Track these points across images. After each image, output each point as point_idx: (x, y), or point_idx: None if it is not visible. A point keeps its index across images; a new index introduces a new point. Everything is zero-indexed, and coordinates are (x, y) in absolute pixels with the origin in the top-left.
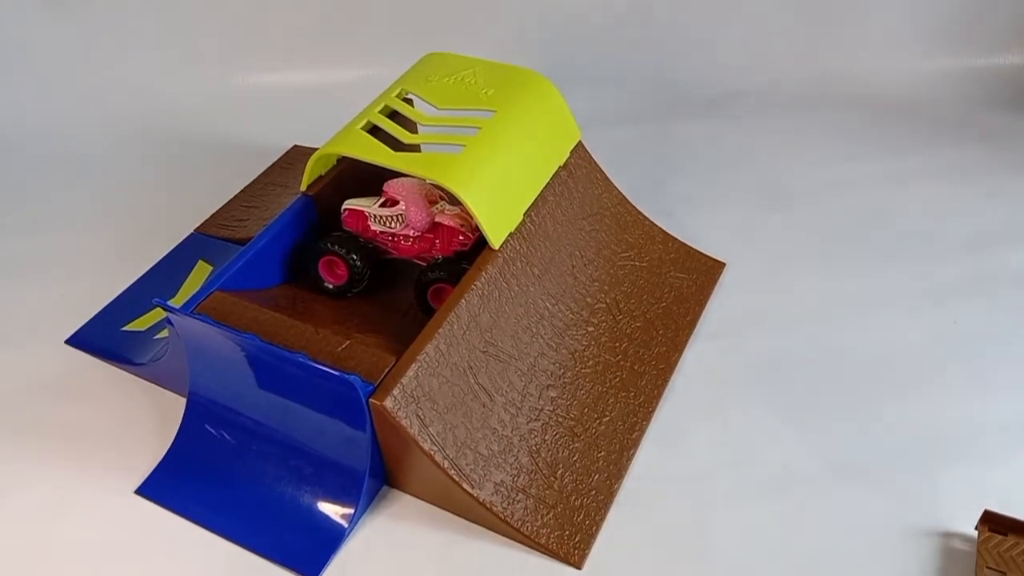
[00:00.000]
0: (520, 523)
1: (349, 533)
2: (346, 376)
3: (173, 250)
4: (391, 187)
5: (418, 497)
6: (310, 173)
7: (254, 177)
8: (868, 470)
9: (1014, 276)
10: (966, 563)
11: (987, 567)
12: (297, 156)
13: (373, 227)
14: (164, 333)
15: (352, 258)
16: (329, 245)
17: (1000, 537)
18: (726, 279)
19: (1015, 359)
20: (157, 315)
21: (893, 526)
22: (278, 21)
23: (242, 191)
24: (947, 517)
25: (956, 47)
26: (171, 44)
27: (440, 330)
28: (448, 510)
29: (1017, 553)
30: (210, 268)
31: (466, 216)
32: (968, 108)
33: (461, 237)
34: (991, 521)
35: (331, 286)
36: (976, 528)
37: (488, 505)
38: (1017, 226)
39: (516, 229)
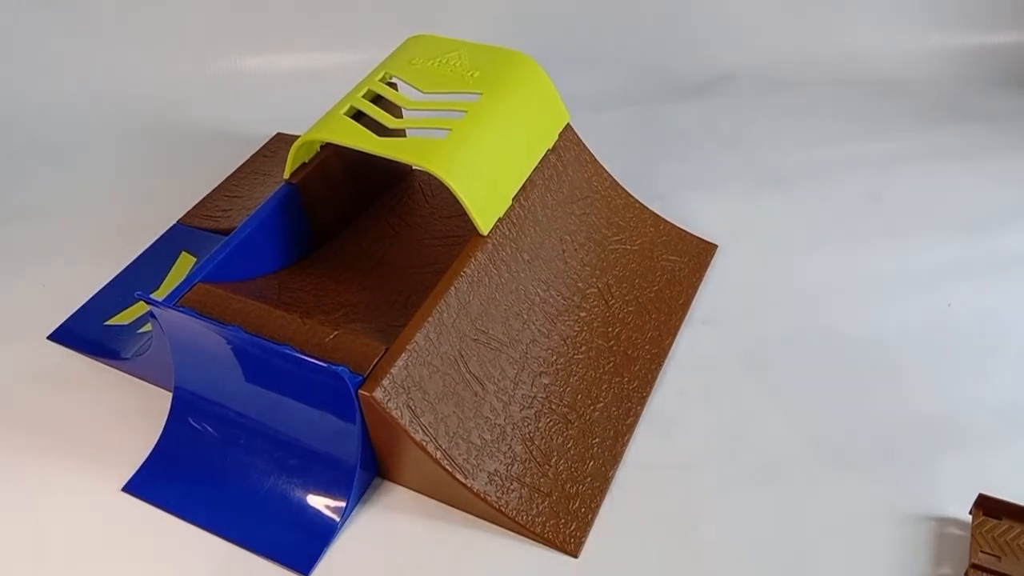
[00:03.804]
0: (515, 512)
1: (341, 527)
2: (334, 367)
3: (156, 242)
4: None
5: (411, 488)
6: (293, 161)
7: (237, 166)
8: (861, 455)
9: (1010, 258)
10: (961, 548)
11: (982, 551)
12: (280, 144)
13: None
14: (148, 327)
15: None
16: None
17: (995, 521)
18: (718, 262)
19: (1010, 342)
20: (140, 309)
21: (887, 511)
22: (259, 6)
23: (225, 180)
24: (941, 502)
25: (952, 25)
26: (151, 31)
27: (430, 319)
28: (442, 501)
29: (1012, 537)
30: (194, 259)
31: None
32: (964, 87)
33: None
34: (985, 505)
35: None
36: (970, 513)
37: (482, 495)
38: (1013, 207)
39: (505, 214)
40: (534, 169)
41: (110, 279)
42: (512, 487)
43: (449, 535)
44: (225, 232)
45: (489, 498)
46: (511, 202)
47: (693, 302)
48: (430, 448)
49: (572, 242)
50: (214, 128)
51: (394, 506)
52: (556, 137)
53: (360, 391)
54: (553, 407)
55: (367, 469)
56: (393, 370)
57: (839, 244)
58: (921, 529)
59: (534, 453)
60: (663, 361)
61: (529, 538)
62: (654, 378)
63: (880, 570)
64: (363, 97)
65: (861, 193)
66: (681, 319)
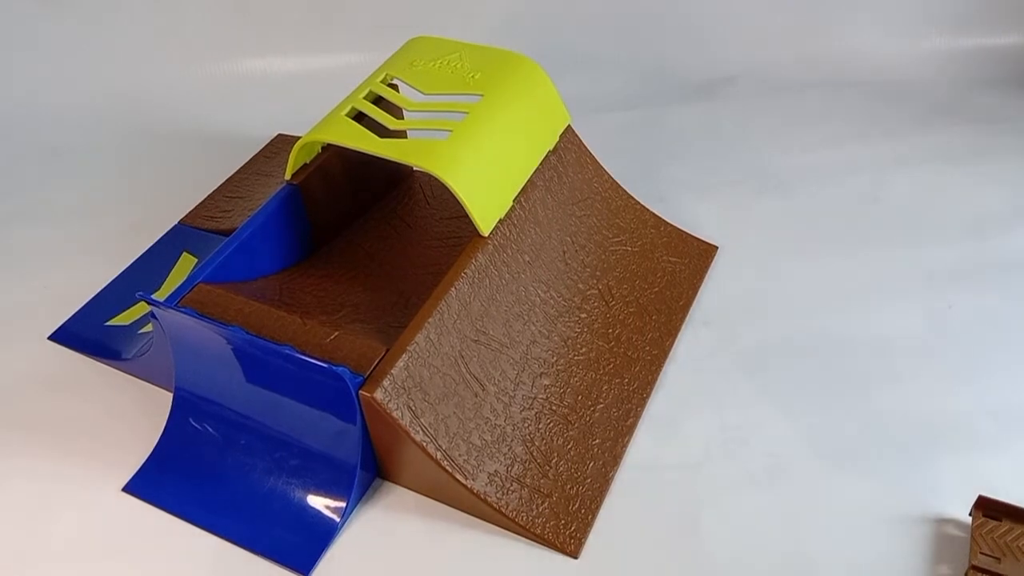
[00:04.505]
0: (515, 513)
1: (341, 527)
2: (335, 368)
3: (157, 242)
4: None
5: (411, 489)
6: (294, 161)
7: (238, 167)
8: (862, 456)
9: (1010, 259)
10: (960, 549)
11: (981, 553)
12: (281, 145)
13: None
14: (149, 327)
15: None
16: None
17: (994, 522)
18: (719, 263)
19: (1010, 344)
20: (141, 309)
21: (887, 513)
22: (260, 7)
23: (226, 181)
24: (941, 503)
25: (953, 26)
26: (152, 32)
27: (430, 319)
28: (442, 501)
29: (1012, 538)
30: (195, 260)
31: None
32: (963, 89)
33: None
34: (985, 507)
35: None
36: (970, 514)
37: (482, 496)
38: (1014, 208)
39: (506, 215)
40: (535, 170)
41: (111, 280)
42: (512, 488)
43: (449, 536)
44: (226, 233)
45: (489, 499)
46: (512, 203)
47: (693, 303)
48: (430, 449)
49: (573, 243)
50: (215, 129)
51: (394, 507)
52: (557, 138)
53: (360, 392)
54: (553, 408)
55: (367, 470)
56: (394, 371)
57: (839, 245)
58: (921, 530)
59: (534, 454)
60: (663, 362)
61: (529, 539)
62: (654, 379)
63: (880, 571)
64: (364, 98)
65: (861, 194)
66: (681, 320)
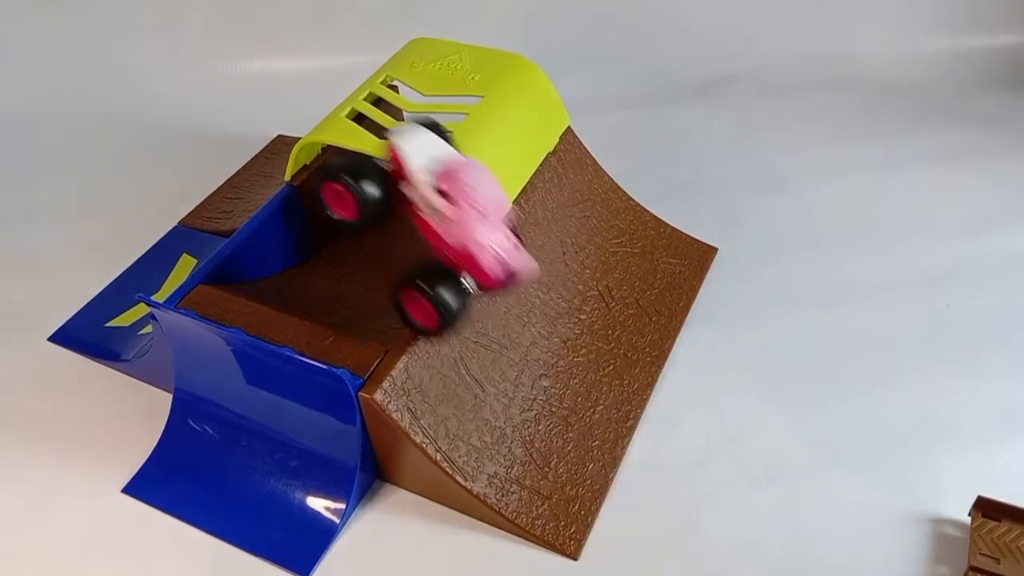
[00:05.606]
0: (515, 515)
1: (341, 529)
2: (334, 369)
3: (157, 243)
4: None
5: (411, 491)
6: (294, 163)
7: (238, 168)
8: (861, 456)
9: (1008, 259)
10: (959, 549)
11: (980, 553)
12: (281, 146)
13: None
14: (149, 329)
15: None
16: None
17: (993, 523)
18: (718, 264)
19: (1009, 343)
20: (141, 310)
21: (886, 512)
22: (260, 8)
23: (226, 182)
24: (940, 503)
25: (952, 27)
26: (152, 33)
27: None
28: (441, 503)
29: (1011, 539)
30: (194, 261)
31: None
32: (963, 90)
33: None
34: (984, 507)
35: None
36: (969, 514)
37: (482, 497)
38: (1011, 209)
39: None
40: (534, 172)
41: (111, 281)
42: (512, 489)
43: (448, 537)
44: (226, 234)
45: (489, 500)
46: (512, 205)
47: (693, 304)
48: (430, 450)
49: (572, 244)
50: (215, 130)
51: (394, 508)
52: (557, 140)
53: (360, 393)
54: (553, 409)
55: (367, 471)
56: (393, 372)
57: (838, 246)
58: (920, 530)
59: (534, 455)
60: (663, 364)
61: (529, 541)
62: (654, 380)
63: (878, 571)
64: (364, 100)
65: (860, 195)
66: (681, 321)
